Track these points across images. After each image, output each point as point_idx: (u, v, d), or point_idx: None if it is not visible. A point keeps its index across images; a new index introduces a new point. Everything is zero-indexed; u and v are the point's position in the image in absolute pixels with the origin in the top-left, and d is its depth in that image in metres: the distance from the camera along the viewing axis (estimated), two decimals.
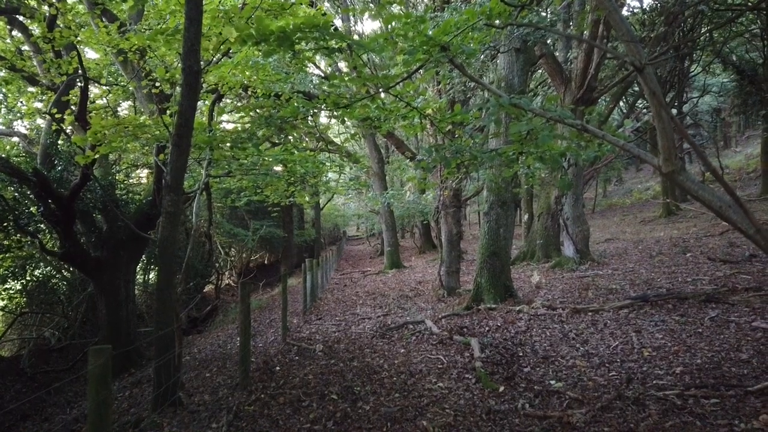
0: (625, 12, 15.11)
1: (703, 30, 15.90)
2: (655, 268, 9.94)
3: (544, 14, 9.08)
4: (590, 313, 7.25)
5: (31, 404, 8.64)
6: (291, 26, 4.38)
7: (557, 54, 12.93)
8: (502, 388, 4.93)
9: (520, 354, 6.01)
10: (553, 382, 4.96)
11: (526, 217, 18.03)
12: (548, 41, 11.81)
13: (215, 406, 5.17)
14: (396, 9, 13.41)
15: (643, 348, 5.55)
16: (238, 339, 6.54)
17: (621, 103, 22.42)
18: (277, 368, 6.39)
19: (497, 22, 4.48)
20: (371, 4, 13.32)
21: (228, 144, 7.16)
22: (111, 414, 3.02)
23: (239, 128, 9.24)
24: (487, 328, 7.31)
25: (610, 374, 4.97)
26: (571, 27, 10.87)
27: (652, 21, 13.48)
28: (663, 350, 5.40)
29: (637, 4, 25.55)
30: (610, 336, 6.16)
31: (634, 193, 31.11)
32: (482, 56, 10.73)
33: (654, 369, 4.93)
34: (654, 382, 4.60)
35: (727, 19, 13.47)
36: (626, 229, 18.81)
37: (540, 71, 17.09)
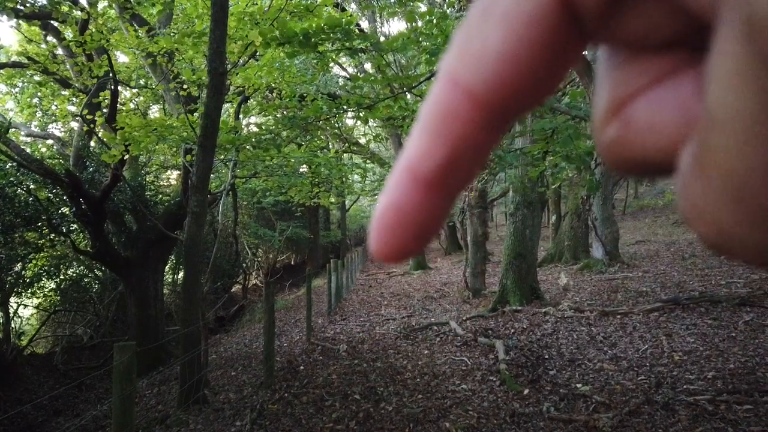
0: None
1: None
2: (688, 270, 9.67)
3: None
4: (619, 316, 7.09)
5: (63, 401, 8.86)
6: (314, 28, 4.41)
7: (585, 51, 12.71)
8: (526, 391, 4.85)
9: (546, 357, 5.91)
10: (579, 385, 4.86)
11: (553, 218, 17.76)
12: None
13: (240, 404, 5.22)
14: (422, 9, 13.38)
15: (673, 352, 5.40)
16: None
17: None
18: (301, 368, 6.42)
19: None
20: (396, 7, 13.29)
21: (251, 146, 7.24)
22: (134, 408, 3.07)
23: (264, 129, 9.34)
24: (512, 330, 7.21)
25: (639, 378, 4.85)
26: None
27: None
28: (694, 354, 5.24)
29: None
30: (639, 339, 6.01)
31: (666, 194, 30.33)
32: None
33: (684, 373, 4.79)
34: (684, 386, 4.46)
35: None
36: (658, 231, 18.36)
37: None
